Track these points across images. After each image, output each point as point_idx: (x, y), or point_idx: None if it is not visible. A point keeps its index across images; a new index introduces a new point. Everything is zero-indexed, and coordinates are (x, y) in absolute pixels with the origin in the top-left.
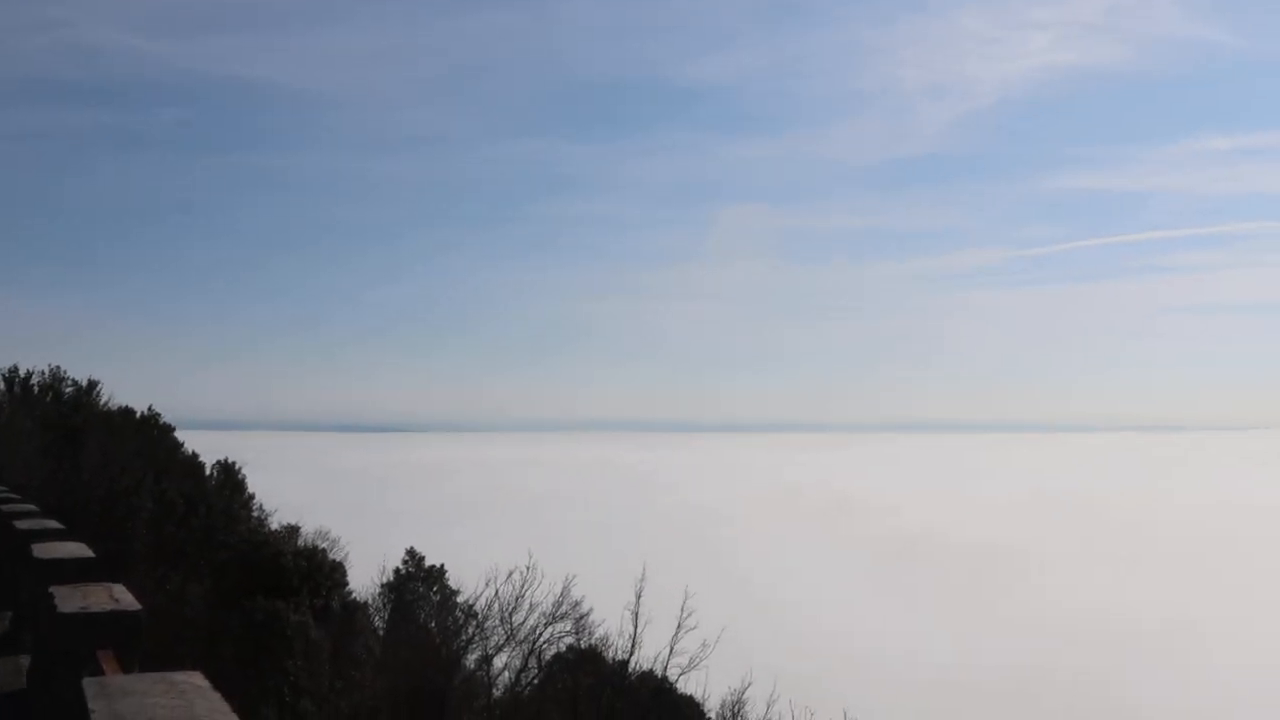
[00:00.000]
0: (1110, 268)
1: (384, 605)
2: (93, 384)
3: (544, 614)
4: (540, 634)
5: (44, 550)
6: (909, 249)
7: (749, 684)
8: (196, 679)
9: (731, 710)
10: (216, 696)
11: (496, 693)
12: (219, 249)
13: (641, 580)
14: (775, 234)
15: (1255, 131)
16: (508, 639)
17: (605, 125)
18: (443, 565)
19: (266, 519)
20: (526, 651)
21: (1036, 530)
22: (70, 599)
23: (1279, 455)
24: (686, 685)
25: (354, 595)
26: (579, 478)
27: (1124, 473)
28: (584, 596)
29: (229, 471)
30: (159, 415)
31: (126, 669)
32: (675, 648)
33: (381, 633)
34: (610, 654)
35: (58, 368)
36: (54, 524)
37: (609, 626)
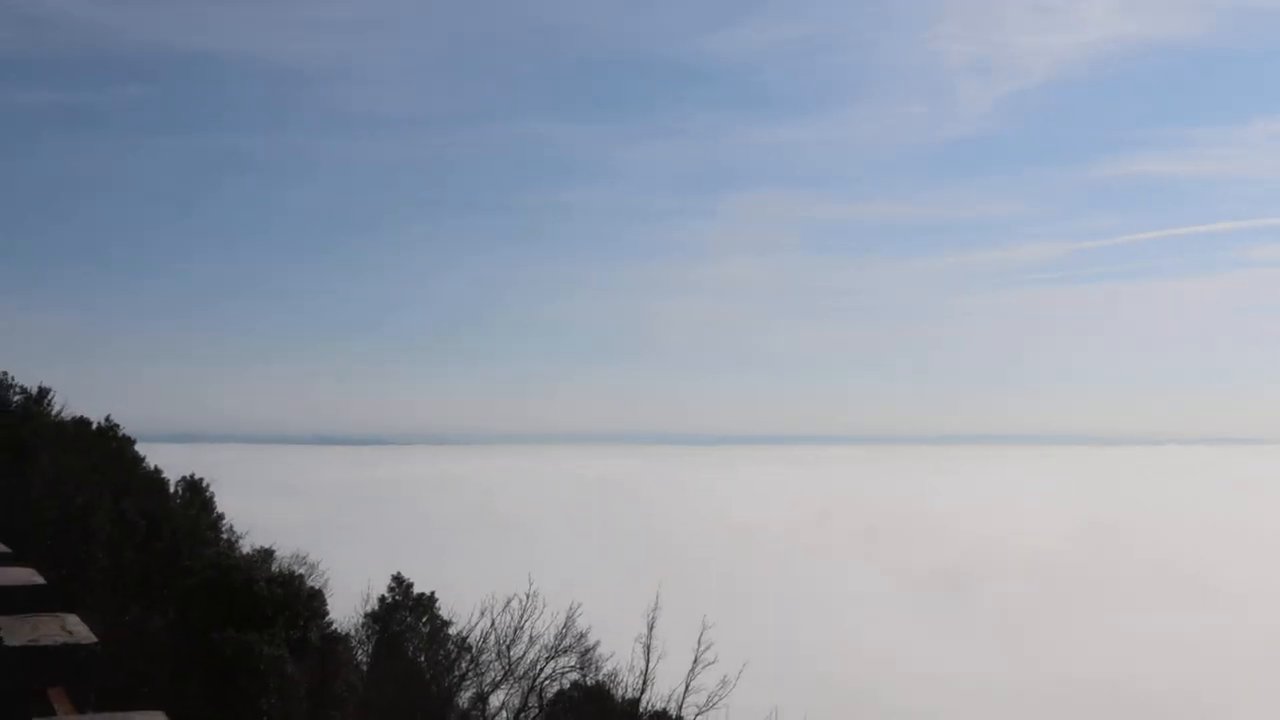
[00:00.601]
0: (1178, 262)
1: (368, 637)
2: (43, 392)
3: (545, 647)
4: (541, 669)
5: None
6: (951, 242)
7: None
8: (158, 719)
9: None
10: None
11: None
12: (180, 240)
13: (654, 609)
14: (798, 225)
15: None
16: (505, 675)
17: (604, 106)
18: (433, 593)
19: (237, 541)
20: (526, 689)
21: (1092, 562)
22: (19, 631)
23: None
24: None
25: (334, 626)
26: (582, 495)
27: (1195, 493)
28: (590, 627)
29: (196, 489)
30: (118, 426)
31: (80, 708)
32: (691, 684)
33: (365, 668)
34: (619, 691)
35: (3, 374)
36: (0, 548)
37: (618, 660)
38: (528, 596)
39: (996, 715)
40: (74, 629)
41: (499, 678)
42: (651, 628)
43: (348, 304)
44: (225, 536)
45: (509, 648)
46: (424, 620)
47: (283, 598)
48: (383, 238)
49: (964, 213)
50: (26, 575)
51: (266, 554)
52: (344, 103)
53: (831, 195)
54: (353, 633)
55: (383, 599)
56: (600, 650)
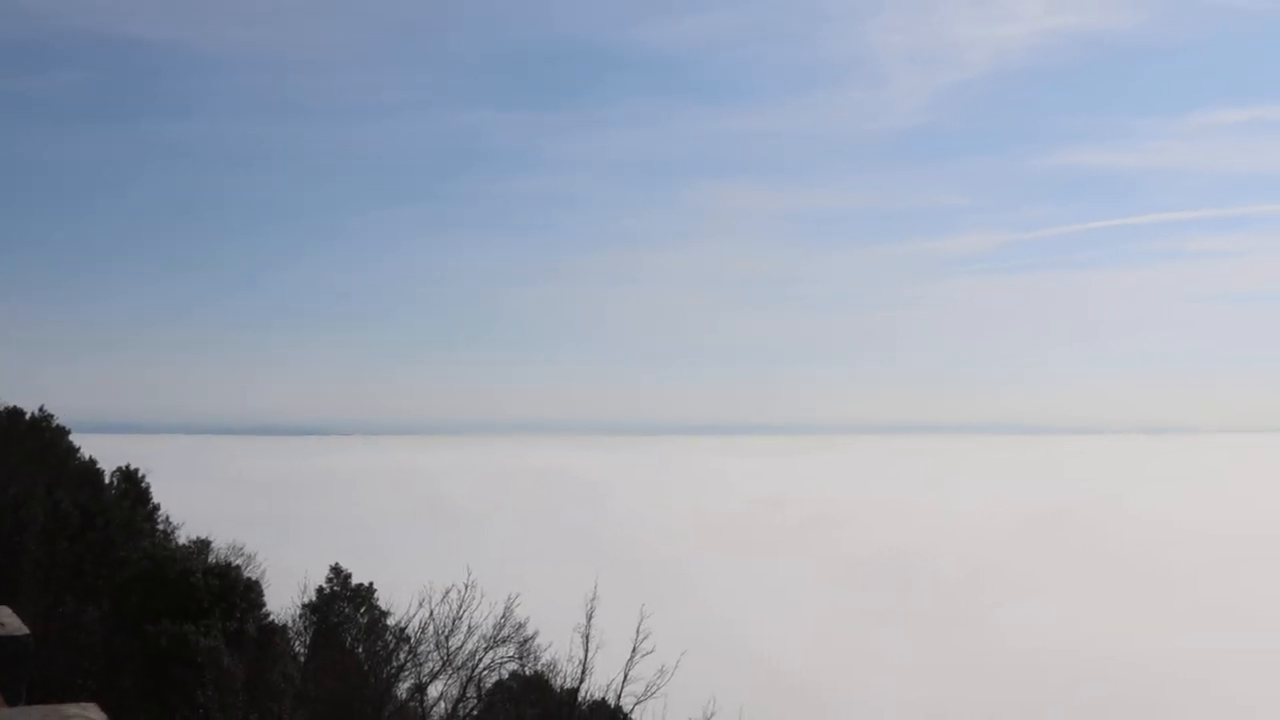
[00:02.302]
0: (1116, 253)
1: (305, 628)
2: None
3: (484, 637)
4: (480, 659)
5: None
6: (892, 232)
7: (712, 714)
8: (92, 712)
9: None
10: None
11: None
12: (112, 227)
13: (593, 600)
14: (740, 216)
15: (1272, 104)
16: (444, 665)
17: (542, 95)
18: (371, 583)
19: (173, 533)
20: (465, 679)
21: (1031, 550)
22: None
23: None
24: (642, 716)
25: (272, 617)
26: (523, 485)
27: (1129, 482)
28: (528, 618)
29: (131, 480)
30: (51, 417)
31: (11, 701)
32: (630, 674)
33: (303, 659)
34: (558, 681)
35: None
36: None
37: (556, 651)
38: (466, 587)
39: (942, 701)
40: (6, 620)
41: (437, 668)
42: (590, 617)
43: (283, 293)
44: (161, 528)
45: (447, 638)
46: (362, 611)
47: (219, 589)
48: (319, 226)
49: (903, 203)
50: None
51: (203, 545)
52: (276, 91)
53: (771, 186)
54: (290, 624)
55: (320, 590)
56: (539, 640)
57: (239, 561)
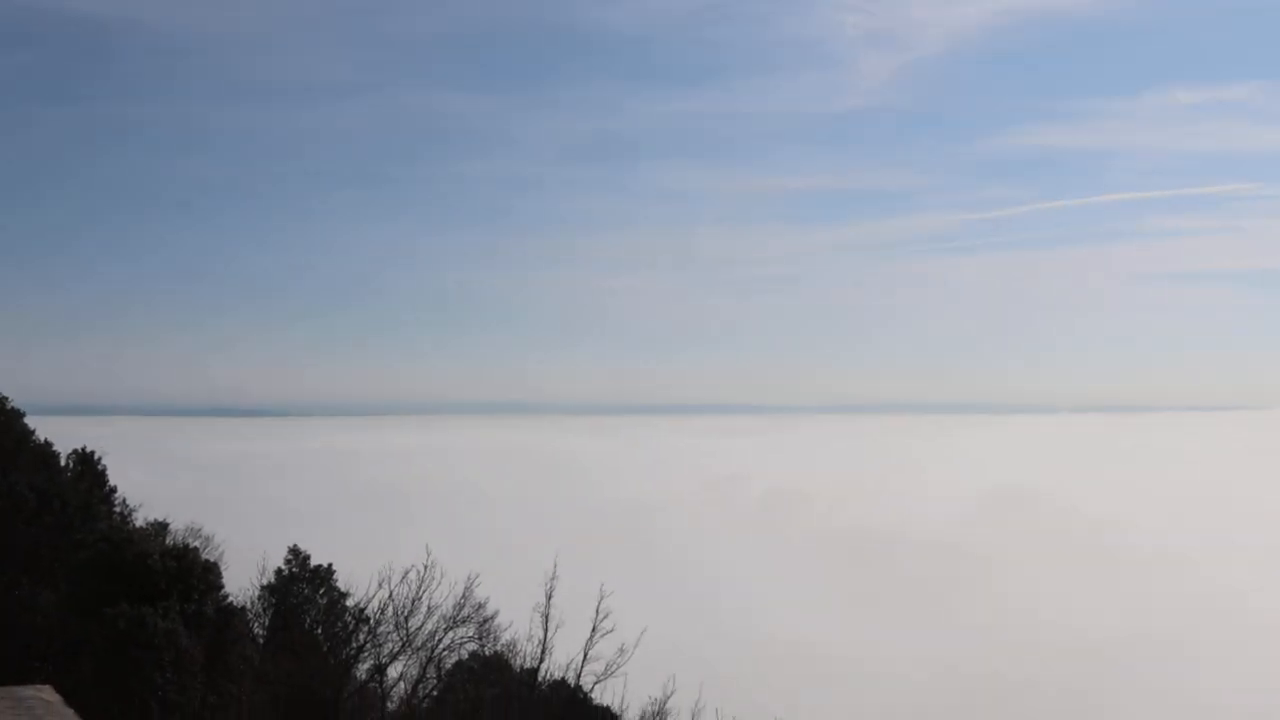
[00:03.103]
0: (1073, 233)
1: (264, 610)
2: None
3: (444, 618)
4: (440, 640)
5: None
6: (851, 213)
7: (672, 692)
8: (47, 694)
9: None
10: (70, 713)
11: (391, 705)
12: (68, 210)
13: (552, 579)
14: (699, 196)
15: (1227, 83)
16: (403, 646)
17: (497, 76)
18: (330, 565)
19: (130, 515)
20: (424, 659)
21: (993, 527)
22: None
23: (1255, 440)
24: (602, 695)
25: (230, 599)
26: (483, 467)
27: (1087, 461)
28: (488, 598)
29: (87, 462)
30: (5, 399)
31: None
32: (590, 653)
33: (262, 640)
34: (518, 661)
35: None
36: None
37: (516, 630)
38: (425, 567)
39: (908, 673)
40: None
41: (397, 649)
42: (550, 597)
43: (241, 275)
44: (118, 510)
45: (407, 619)
46: (321, 592)
47: (177, 571)
48: (274, 208)
49: (859, 184)
50: None
51: (160, 527)
52: (233, 71)
53: (728, 167)
54: (249, 605)
55: (279, 571)
56: (499, 620)
57: (197, 543)
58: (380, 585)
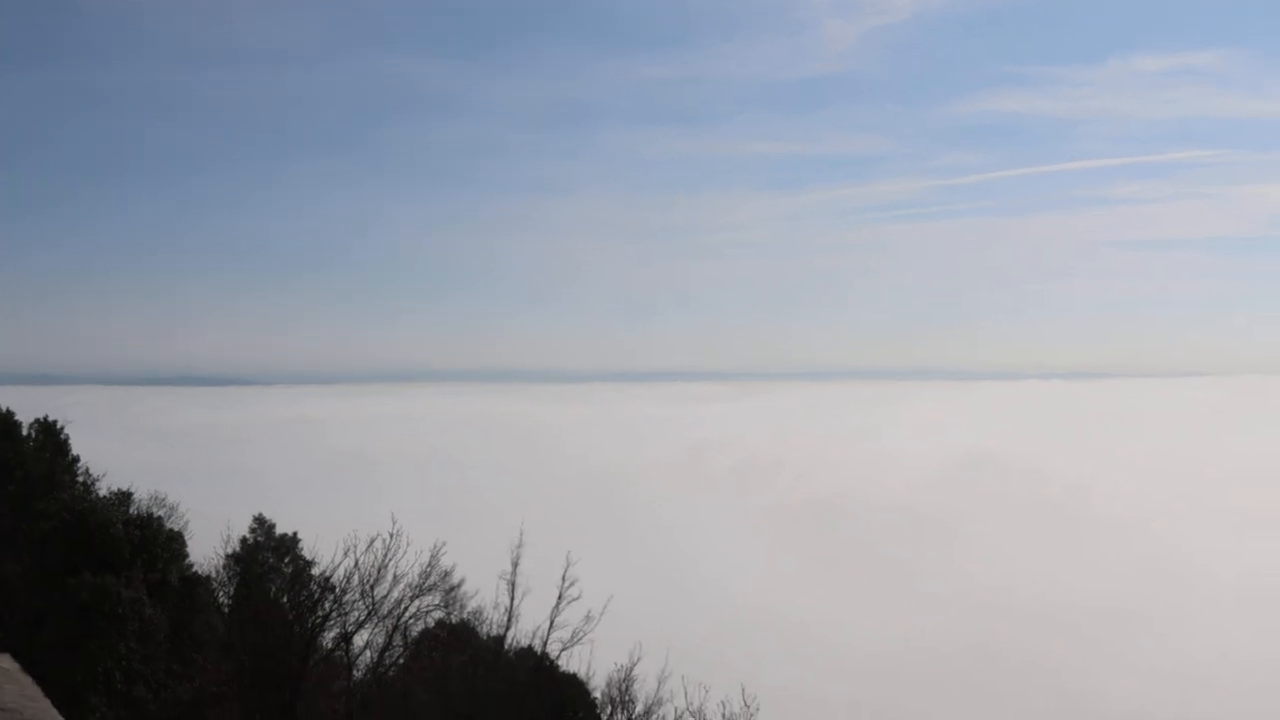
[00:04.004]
0: (1039, 199)
1: (229, 579)
2: None
3: (410, 586)
4: (406, 608)
5: None
6: (816, 179)
7: (638, 659)
8: (5, 662)
9: (619, 688)
10: (28, 681)
11: (357, 674)
12: (33, 176)
13: (518, 547)
14: (666, 162)
15: (1190, 51)
16: (369, 614)
17: (460, 41)
18: (295, 533)
19: (94, 484)
20: (390, 628)
21: (959, 492)
22: None
23: (1220, 406)
24: (569, 662)
25: (195, 568)
26: (451, 434)
27: (1054, 427)
28: (455, 566)
29: (49, 431)
30: None
31: None
32: (556, 621)
33: (226, 609)
34: (484, 629)
35: None
36: None
37: (483, 598)
38: (391, 536)
39: (877, 638)
40: None
41: (363, 617)
42: (516, 565)
43: (206, 241)
44: (81, 480)
45: (373, 587)
46: (286, 561)
47: (141, 540)
48: (240, 174)
49: (824, 149)
50: None
51: (124, 496)
52: (198, 37)
53: (694, 133)
54: (214, 574)
55: (244, 540)
56: (465, 588)
57: (161, 513)
58: (346, 553)
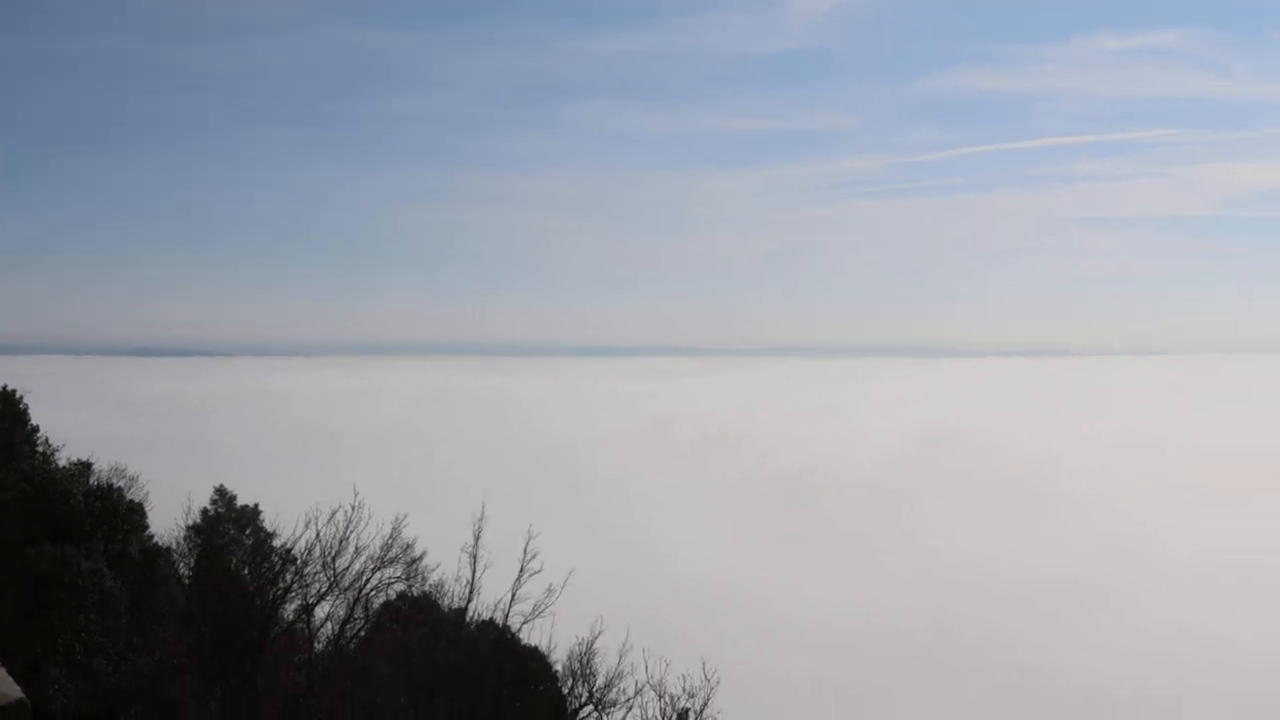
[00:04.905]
0: (1001, 177)
1: (190, 550)
2: None
3: (371, 558)
4: (367, 580)
5: None
6: (782, 155)
7: (599, 632)
8: None
9: (580, 661)
10: None
11: (318, 646)
12: None
13: (480, 519)
14: (632, 137)
15: (1155, 30)
16: (331, 586)
17: (431, 12)
18: (257, 505)
19: (53, 455)
20: (352, 600)
21: (922, 469)
22: None
23: (1180, 384)
24: (530, 635)
25: (155, 540)
26: (414, 407)
27: (1015, 404)
28: (416, 538)
29: (8, 401)
30: None
31: None
32: (517, 594)
33: (187, 581)
34: (446, 601)
35: None
36: None
37: (444, 571)
38: (353, 508)
39: (840, 614)
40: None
41: (324, 589)
42: (478, 537)
43: (171, 212)
44: (40, 450)
45: (334, 559)
46: (248, 532)
47: (101, 511)
48: (207, 146)
49: (790, 126)
50: None
51: (84, 467)
52: (165, 7)
53: (660, 108)
54: (174, 546)
55: (205, 511)
56: (427, 560)
57: (121, 484)
58: (307, 525)
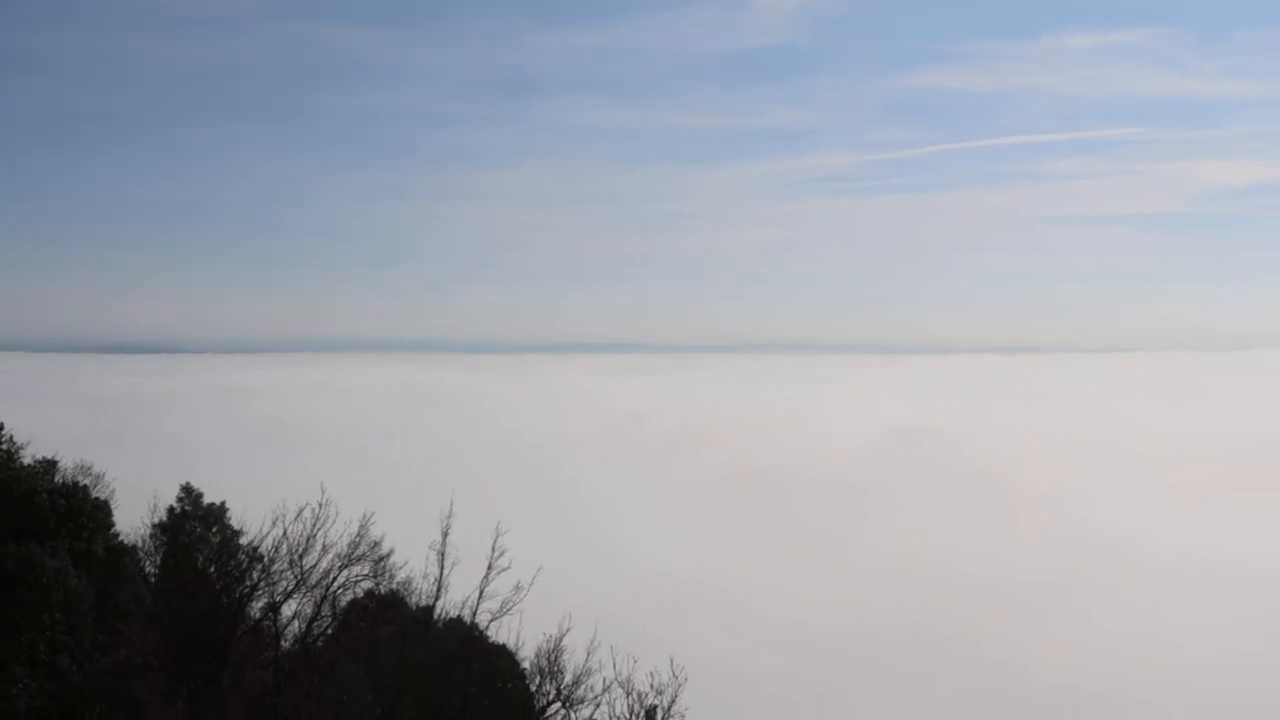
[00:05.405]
0: (969, 175)
1: (156, 548)
2: None
3: (339, 556)
4: (334, 578)
5: None
6: (750, 152)
7: (567, 630)
8: None
9: (548, 659)
10: None
11: (285, 644)
12: None
13: (448, 516)
14: (600, 133)
15: (1122, 29)
16: (298, 584)
17: (400, 8)
18: (224, 503)
19: (17, 452)
20: (319, 598)
21: (890, 466)
22: None
23: (1149, 382)
24: (498, 633)
25: (121, 537)
26: (382, 404)
27: (982, 401)
28: (384, 536)
29: None
30: None
31: None
32: (485, 591)
33: (153, 579)
34: (413, 599)
35: None
36: None
37: (412, 569)
38: (320, 505)
39: (808, 610)
40: None
41: (291, 587)
42: (446, 535)
43: (137, 208)
44: (4, 447)
45: (301, 557)
46: (214, 530)
47: (66, 509)
48: (175, 142)
49: (758, 122)
50: None
51: (49, 465)
52: (133, 2)
53: (628, 104)
54: (140, 544)
55: (171, 509)
56: (394, 558)
57: (87, 481)
58: (274, 523)
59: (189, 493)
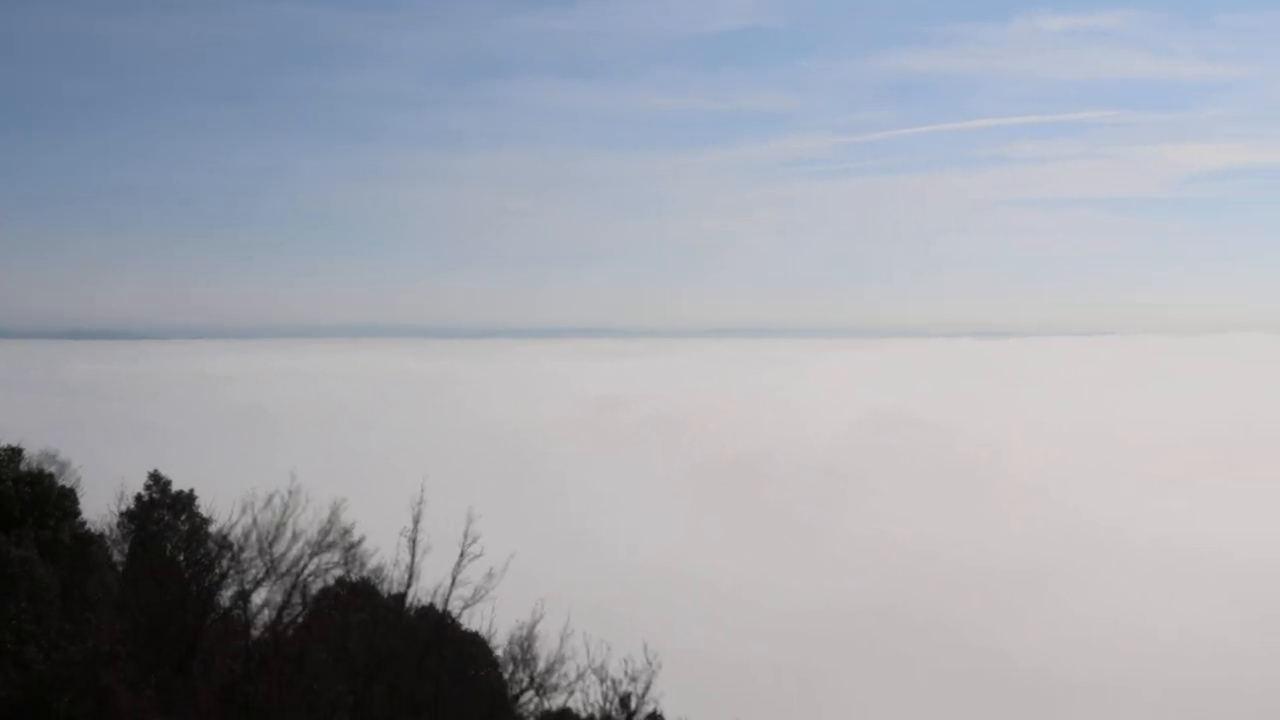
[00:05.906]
0: (942, 158)
1: (124, 537)
2: None
3: (309, 543)
4: (305, 566)
5: None
6: (723, 135)
7: (540, 617)
8: None
9: (521, 646)
10: None
11: (255, 632)
12: None
13: (419, 503)
14: (572, 116)
15: (1095, 11)
16: (268, 572)
17: None
18: (192, 490)
19: None
20: (289, 586)
21: (866, 452)
22: None
23: (1120, 365)
24: (470, 620)
25: (88, 526)
26: (352, 390)
27: (957, 385)
28: (355, 523)
29: None
30: None
31: None
32: (458, 578)
33: (121, 568)
34: (385, 587)
35: None
36: None
37: (383, 556)
38: (290, 492)
39: (787, 597)
40: None
41: (261, 575)
42: (417, 521)
43: (105, 193)
44: None
45: (271, 544)
46: (183, 518)
47: (31, 497)
48: (142, 125)
49: (731, 106)
50: None
51: (14, 453)
52: None
53: (600, 87)
54: (108, 532)
55: (139, 497)
56: (365, 546)
57: (53, 469)
58: (244, 511)
59: (157, 480)
